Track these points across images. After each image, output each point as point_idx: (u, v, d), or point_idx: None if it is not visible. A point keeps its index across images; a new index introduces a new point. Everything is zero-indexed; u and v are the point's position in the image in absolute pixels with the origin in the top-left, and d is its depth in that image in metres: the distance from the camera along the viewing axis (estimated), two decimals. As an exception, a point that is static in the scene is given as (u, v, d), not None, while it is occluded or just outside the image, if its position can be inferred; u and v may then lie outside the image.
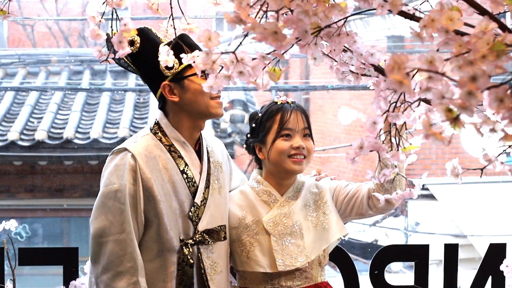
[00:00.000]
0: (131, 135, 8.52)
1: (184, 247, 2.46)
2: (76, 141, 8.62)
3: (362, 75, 1.74)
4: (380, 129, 1.56)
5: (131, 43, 2.43)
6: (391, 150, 1.61)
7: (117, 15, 1.70)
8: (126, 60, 2.49)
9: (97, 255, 2.39)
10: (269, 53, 1.45)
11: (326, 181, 2.74)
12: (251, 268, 2.58)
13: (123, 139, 8.40)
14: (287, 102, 2.64)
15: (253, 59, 1.43)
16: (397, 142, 1.62)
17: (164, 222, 2.42)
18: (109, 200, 2.39)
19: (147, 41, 2.43)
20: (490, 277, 2.86)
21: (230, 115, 8.91)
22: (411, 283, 2.85)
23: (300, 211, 2.63)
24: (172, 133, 2.51)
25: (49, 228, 10.52)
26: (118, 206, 2.38)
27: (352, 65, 1.71)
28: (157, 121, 2.54)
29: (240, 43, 1.38)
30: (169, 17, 1.78)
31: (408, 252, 2.91)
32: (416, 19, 1.42)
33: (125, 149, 2.44)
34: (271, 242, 2.58)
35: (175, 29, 1.80)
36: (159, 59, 1.80)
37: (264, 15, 1.42)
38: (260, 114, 2.65)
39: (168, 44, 2.21)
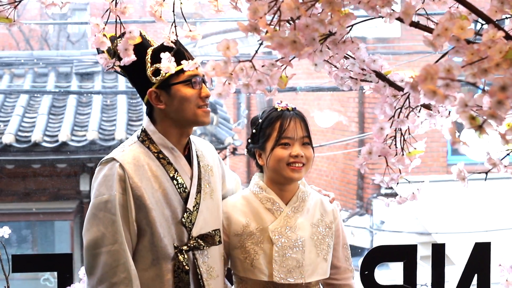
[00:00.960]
0: (100, 138, 8.46)
1: (179, 254, 2.45)
2: (44, 144, 8.54)
3: (361, 80, 1.77)
4: (387, 135, 1.59)
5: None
6: (396, 155, 1.65)
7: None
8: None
9: (92, 267, 2.37)
10: (277, 60, 1.48)
11: (338, 213, 2.77)
12: (255, 276, 2.58)
13: (92, 142, 8.38)
14: (287, 109, 2.63)
15: (262, 66, 1.46)
16: (402, 147, 1.65)
17: (157, 230, 2.41)
18: (100, 211, 2.38)
19: (139, 46, 2.40)
20: (476, 275, 2.93)
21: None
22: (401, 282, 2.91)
23: (306, 227, 2.64)
24: (160, 139, 2.49)
25: (17, 232, 10.42)
26: (109, 216, 2.36)
27: (351, 71, 1.75)
28: (144, 129, 2.52)
29: (256, 51, 1.40)
30: (172, 24, 1.80)
31: (397, 252, 2.96)
32: (427, 29, 1.46)
33: (113, 159, 2.42)
34: (273, 251, 2.58)
35: (177, 36, 1.81)
36: (152, 62, 1.80)
37: (277, 24, 1.44)
38: (260, 120, 2.65)
39: (162, 49, 2.23)
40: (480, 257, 2.90)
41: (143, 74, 2.45)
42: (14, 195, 9.37)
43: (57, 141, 8.57)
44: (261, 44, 1.40)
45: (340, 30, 1.41)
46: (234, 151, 9.75)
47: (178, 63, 2.05)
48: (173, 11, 1.78)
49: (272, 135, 2.60)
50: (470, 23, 1.37)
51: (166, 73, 2.40)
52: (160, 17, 1.78)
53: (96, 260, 2.36)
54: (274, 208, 2.64)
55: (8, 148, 8.53)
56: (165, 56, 1.85)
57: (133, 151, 2.46)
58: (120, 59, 1.75)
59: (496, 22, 1.46)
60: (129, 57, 1.72)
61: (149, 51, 2.44)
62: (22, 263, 2.79)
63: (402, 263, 2.91)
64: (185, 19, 1.80)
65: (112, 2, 1.73)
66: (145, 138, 2.50)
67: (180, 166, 2.51)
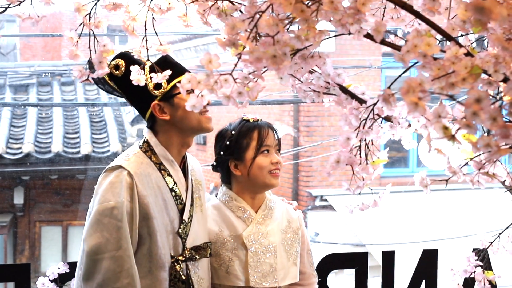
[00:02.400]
0: (36, 150, 8.36)
1: (175, 264, 2.51)
2: (-22, 157, 8.42)
3: (324, 93, 1.86)
4: (353, 144, 1.68)
5: (116, 67, 2.48)
6: (361, 164, 1.73)
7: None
8: (111, 84, 2.52)
9: (91, 272, 2.37)
10: (250, 73, 1.55)
11: (302, 220, 2.89)
12: (231, 282, 2.67)
13: (27, 155, 8.28)
14: (258, 120, 2.75)
15: (235, 78, 1.53)
16: (366, 156, 1.74)
17: (157, 239, 2.45)
18: (105, 217, 2.39)
19: (132, 64, 2.37)
20: (424, 281, 3.05)
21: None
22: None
23: (276, 233, 2.74)
24: (162, 151, 2.55)
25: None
26: (115, 223, 2.38)
27: (314, 84, 1.83)
28: (147, 140, 2.57)
29: (236, 65, 1.47)
30: (143, 38, 1.85)
31: (349, 259, 3.06)
32: (395, 46, 1.55)
33: (120, 167, 2.45)
34: (248, 257, 2.67)
35: (147, 49, 1.87)
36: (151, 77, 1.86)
37: (253, 39, 1.51)
38: (233, 132, 2.73)
39: (158, 63, 2.28)
40: (428, 263, 3.03)
41: (144, 90, 2.49)
42: None
43: (-9, 153, 8.47)
44: (239, 58, 1.47)
45: (315, 45, 1.49)
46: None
47: (174, 75, 2.24)
48: (145, 26, 1.83)
49: (251, 144, 2.70)
50: (435, 40, 1.47)
51: (168, 85, 2.49)
52: (133, 31, 1.83)
53: (97, 265, 2.36)
54: (245, 216, 2.74)
55: None
56: (135, 69, 1.91)
57: (138, 160, 2.51)
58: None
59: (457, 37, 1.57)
60: (103, 70, 1.77)
61: (146, 67, 2.49)
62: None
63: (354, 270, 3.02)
64: (156, 33, 1.85)
65: (85, 16, 1.77)
66: (147, 149, 2.55)
67: (178, 178, 2.57)
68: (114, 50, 1.80)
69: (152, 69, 1.93)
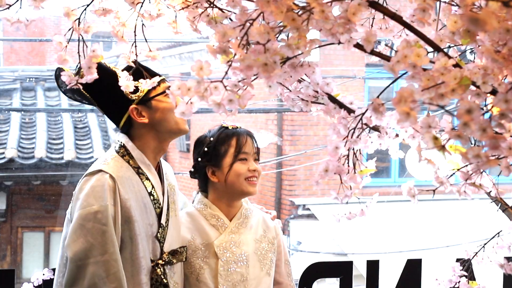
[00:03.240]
0: (19, 156, 8.33)
1: (156, 268, 2.51)
2: (-39, 161, 8.38)
3: (312, 102, 1.86)
4: (341, 153, 1.69)
5: None
6: (348, 173, 1.74)
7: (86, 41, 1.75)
8: (82, 92, 2.50)
9: (76, 278, 2.34)
10: (239, 81, 1.55)
11: (279, 229, 2.88)
12: None
13: (11, 160, 8.24)
14: (237, 127, 2.75)
15: (225, 86, 1.54)
16: (354, 166, 1.75)
17: (139, 243, 2.45)
18: (88, 222, 2.36)
19: (103, 71, 2.39)
20: (408, 291, 3.07)
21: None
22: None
23: (250, 243, 2.73)
24: (139, 155, 2.53)
25: None
26: (99, 227, 2.35)
27: (303, 93, 1.84)
28: (123, 144, 2.55)
29: (226, 72, 1.48)
30: (132, 44, 1.85)
31: (334, 268, 3.06)
32: (385, 57, 1.56)
33: (101, 170, 2.44)
34: (218, 266, 2.66)
35: (136, 55, 1.87)
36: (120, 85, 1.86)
37: (244, 47, 1.52)
38: (211, 139, 2.73)
39: (128, 69, 2.27)
40: (412, 273, 3.04)
41: (118, 96, 2.48)
42: None
43: (-25, 158, 8.42)
44: (230, 65, 1.48)
45: (306, 54, 1.49)
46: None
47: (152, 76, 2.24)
48: (135, 32, 1.83)
49: (229, 151, 2.70)
50: (425, 51, 1.48)
51: (144, 89, 2.50)
52: (122, 37, 1.83)
53: (81, 271, 2.34)
54: (219, 224, 2.72)
55: None
56: (124, 74, 1.91)
57: (117, 163, 2.49)
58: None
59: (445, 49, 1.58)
60: (92, 75, 1.77)
61: (119, 74, 2.48)
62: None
63: (338, 279, 3.02)
64: (145, 39, 1.85)
65: (75, 21, 1.77)
66: (124, 153, 2.53)
67: (156, 182, 2.57)
68: (103, 56, 1.80)
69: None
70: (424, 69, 1.46)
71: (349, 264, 3.04)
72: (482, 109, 1.42)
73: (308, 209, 11.32)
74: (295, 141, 11.25)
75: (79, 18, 1.78)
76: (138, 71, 2.00)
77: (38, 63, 16.39)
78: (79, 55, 1.79)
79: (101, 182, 2.41)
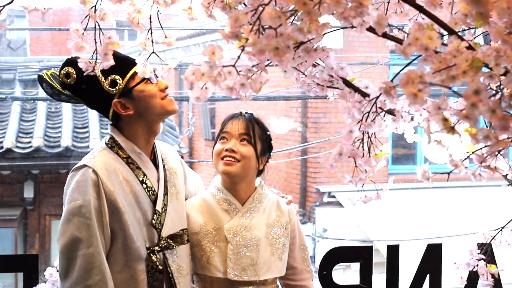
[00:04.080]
0: (46, 145, 8.42)
1: (151, 255, 2.54)
2: (-12, 151, 8.49)
3: (328, 87, 1.87)
4: (356, 137, 1.69)
5: (67, 75, 2.51)
6: (363, 156, 1.75)
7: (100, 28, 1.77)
8: (65, 93, 2.55)
9: (67, 270, 2.42)
10: (253, 66, 1.56)
11: (294, 214, 2.87)
12: (211, 273, 2.69)
13: (37, 149, 8.32)
14: (241, 113, 2.77)
15: (239, 71, 1.55)
16: (368, 149, 1.76)
17: (130, 233, 2.48)
18: (74, 216, 2.43)
19: (80, 72, 2.36)
20: (428, 276, 3.06)
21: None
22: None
23: (261, 227, 2.75)
24: (128, 145, 2.56)
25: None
26: (84, 221, 2.41)
27: (318, 78, 1.85)
28: (112, 136, 2.59)
29: (239, 57, 1.49)
30: (148, 30, 1.87)
31: (354, 253, 3.07)
32: (396, 39, 1.56)
33: (85, 165, 2.48)
34: (228, 249, 2.68)
35: (153, 42, 1.88)
36: (104, 76, 1.86)
37: (256, 32, 1.52)
38: None
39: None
40: (433, 258, 3.04)
41: (100, 92, 2.51)
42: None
43: (1, 147, 8.51)
44: (242, 50, 1.49)
45: (318, 38, 1.50)
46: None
47: (126, 69, 2.41)
48: (150, 18, 1.85)
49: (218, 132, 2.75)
50: (437, 33, 1.48)
51: (122, 81, 2.50)
52: (138, 24, 1.84)
53: (71, 263, 2.41)
54: (231, 209, 2.75)
55: (-49, 155, 8.44)
56: (140, 60, 1.91)
57: (103, 157, 2.53)
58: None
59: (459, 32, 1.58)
60: (108, 62, 1.78)
61: (96, 69, 2.50)
62: (-12, 264, 2.82)
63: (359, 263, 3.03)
64: (161, 26, 1.87)
65: (91, 8, 1.79)
66: (113, 145, 2.57)
67: (148, 170, 2.59)
68: (119, 43, 1.81)
69: (104, 69, 1.93)
70: (437, 52, 1.46)
71: (369, 249, 3.04)
72: (497, 91, 1.42)
73: (333, 196, 11.30)
74: (319, 128, 11.23)
75: (95, 6, 1.80)
76: (116, 61, 1.96)
77: (63, 53, 16.51)
78: (95, 42, 1.81)
79: (85, 177, 2.46)
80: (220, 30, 1.53)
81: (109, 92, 2.51)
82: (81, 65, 1.81)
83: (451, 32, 1.57)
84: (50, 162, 8.56)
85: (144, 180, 2.56)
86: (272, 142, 2.82)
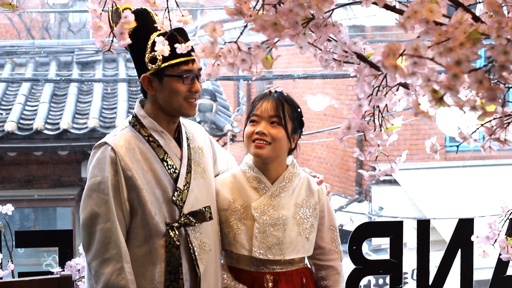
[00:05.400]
0: (101, 125, 8.55)
1: (170, 231, 2.59)
2: (46, 131, 8.66)
3: (344, 62, 1.87)
4: (365, 111, 1.70)
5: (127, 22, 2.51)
6: (375, 130, 1.76)
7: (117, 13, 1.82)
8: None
9: (88, 244, 2.52)
10: (263, 43, 1.59)
11: (324, 194, 2.86)
12: (237, 250, 2.73)
13: (93, 129, 8.49)
14: (270, 92, 2.76)
15: (249, 48, 1.57)
16: (380, 123, 1.76)
17: (149, 209, 2.55)
18: (94, 192, 2.52)
19: (142, 27, 2.41)
20: (460, 250, 3.05)
21: (198, 104, 9.03)
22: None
23: (289, 207, 2.76)
24: (150, 123, 2.62)
25: (20, 217, 10.54)
26: (102, 197, 2.50)
27: (335, 53, 1.85)
28: (135, 114, 2.66)
29: (241, 33, 1.51)
30: (165, 10, 1.90)
31: (384, 228, 3.08)
32: (398, 11, 1.56)
33: (105, 143, 2.56)
34: (254, 228, 2.72)
35: (170, 21, 1.92)
36: (152, 48, 1.88)
37: (261, 8, 1.55)
38: None
39: (163, 34, 2.32)
40: (464, 232, 3.03)
41: (140, 58, 2.57)
42: (16, 182, 9.50)
43: (58, 128, 8.70)
44: (245, 26, 1.51)
45: (318, 14, 1.51)
46: (233, 138, 9.88)
47: (175, 56, 2.31)
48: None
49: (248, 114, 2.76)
50: (439, 6, 1.48)
51: (162, 63, 2.53)
52: (154, 3, 1.88)
53: (91, 237, 2.51)
54: (260, 187, 2.77)
55: (10, 136, 8.65)
56: (159, 40, 1.94)
57: (124, 135, 2.60)
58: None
59: (469, 6, 1.57)
60: (125, 41, 1.83)
61: (152, 36, 2.55)
62: (25, 239, 2.92)
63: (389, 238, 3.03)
64: (177, 4, 1.90)
65: (108, -11, 1.83)
66: (136, 123, 2.64)
67: (170, 148, 2.64)
68: (135, 22, 1.85)
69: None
70: (439, 24, 1.46)
71: (399, 224, 3.04)
72: (489, 62, 1.41)
73: (390, 174, 11.22)
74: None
75: (112, -14, 1.84)
76: (177, 41, 1.99)
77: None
78: (110, 22, 1.85)
79: (104, 155, 2.54)
80: (226, 7, 1.55)
81: (145, 64, 2.57)
82: (97, 43, 1.86)
83: (458, 4, 1.56)
84: (105, 142, 8.71)
85: (165, 158, 2.62)
86: (303, 118, 2.81)
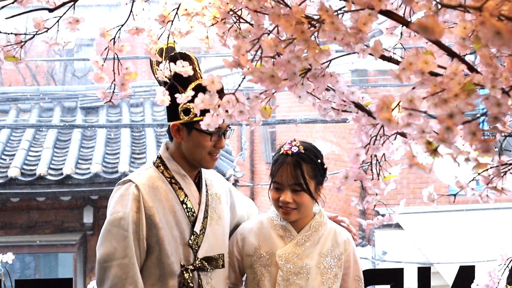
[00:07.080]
0: (104, 171, 8.57)
1: (184, 272, 2.62)
2: (49, 177, 8.68)
3: (343, 111, 1.90)
4: (363, 160, 1.72)
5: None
6: (373, 179, 1.77)
7: (119, 60, 1.85)
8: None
9: (102, 279, 2.54)
10: (261, 93, 1.61)
11: (350, 245, 2.87)
12: None
13: (96, 175, 8.50)
14: (287, 153, 2.73)
15: (247, 98, 1.60)
16: (378, 172, 1.78)
17: (165, 248, 2.59)
18: (114, 227, 2.56)
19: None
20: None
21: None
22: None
23: (314, 256, 2.77)
24: (174, 166, 2.70)
25: (21, 263, 10.49)
26: (122, 232, 2.54)
27: (334, 102, 1.88)
28: (160, 156, 2.74)
29: (239, 85, 1.54)
30: (167, 59, 1.93)
31: (384, 275, 3.07)
32: (395, 61, 1.59)
33: (130, 180, 2.63)
34: (278, 275, 2.72)
35: (170, 71, 1.95)
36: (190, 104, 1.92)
37: (259, 59, 1.57)
38: None
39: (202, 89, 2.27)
40: (465, 279, 3.02)
41: (176, 105, 2.58)
42: (18, 228, 9.50)
43: (61, 174, 8.72)
44: (243, 78, 1.54)
45: (315, 65, 1.54)
46: (235, 183, 9.88)
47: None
48: (167, 46, 1.91)
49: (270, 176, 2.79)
50: (434, 57, 1.50)
51: (194, 118, 2.59)
52: (155, 54, 1.91)
53: (107, 272, 2.53)
54: (286, 235, 2.79)
55: (13, 182, 8.68)
56: (159, 89, 1.98)
57: (148, 174, 2.67)
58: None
59: (464, 56, 1.59)
60: (126, 92, 1.85)
61: (191, 85, 2.58)
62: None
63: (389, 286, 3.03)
64: (179, 54, 1.93)
65: (110, 41, 1.87)
66: (160, 164, 2.71)
67: (190, 191, 2.70)
68: (136, 73, 1.88)
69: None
70: (435, 75, 1.49)
71: (400, 271, 3.04)
72: (485, 114, 1.43)
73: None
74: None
75: (114, 38, 1.87)
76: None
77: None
78: (114, 73, 1.88)
79: (128, 191, 2.59)
80: (224, 59, 1.58)
81: (178, 112, 2.62)
82: (99, 95, 1.89)
83: (453, 55, 1.59)
84: (109, 188, 8.73)
85: (185, 201, 2.67)
86: (325, 166, 2.80)
